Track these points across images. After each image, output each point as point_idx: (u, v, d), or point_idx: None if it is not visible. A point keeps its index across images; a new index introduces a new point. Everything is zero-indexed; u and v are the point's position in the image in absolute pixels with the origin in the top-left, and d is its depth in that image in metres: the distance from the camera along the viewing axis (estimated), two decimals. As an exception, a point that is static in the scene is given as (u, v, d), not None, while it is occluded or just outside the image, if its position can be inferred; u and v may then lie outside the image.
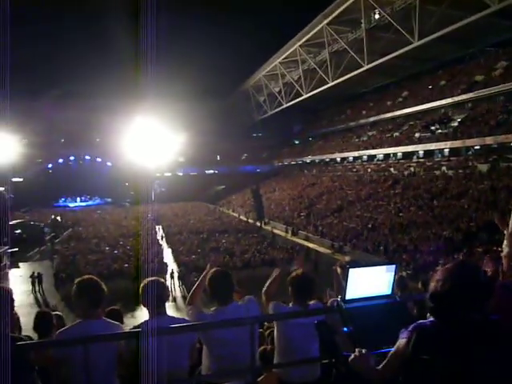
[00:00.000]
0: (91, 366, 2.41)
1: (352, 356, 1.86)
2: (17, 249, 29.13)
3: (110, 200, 63.21)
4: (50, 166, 68.89)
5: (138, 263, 24.01)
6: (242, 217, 44.13)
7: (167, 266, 24.24)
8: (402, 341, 1.71)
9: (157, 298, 2.83)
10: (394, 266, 2.30)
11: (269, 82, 60.49)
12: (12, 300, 2.78)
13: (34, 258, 30.63)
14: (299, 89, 53.43)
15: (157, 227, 38.93)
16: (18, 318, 4.09)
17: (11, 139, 33.69)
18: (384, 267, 2.30)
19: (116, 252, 27.58)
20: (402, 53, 35.30)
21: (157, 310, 2.83)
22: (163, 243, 32.60)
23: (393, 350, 1.77)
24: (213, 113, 67.82)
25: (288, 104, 58.39)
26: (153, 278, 2.94)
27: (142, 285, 2.90)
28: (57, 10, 64.59)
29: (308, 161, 58.57)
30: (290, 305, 3.20)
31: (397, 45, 35.22)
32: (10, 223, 33.51)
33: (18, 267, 27.89)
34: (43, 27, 64.45)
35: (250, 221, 40.80)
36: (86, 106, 62.12)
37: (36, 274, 22.32)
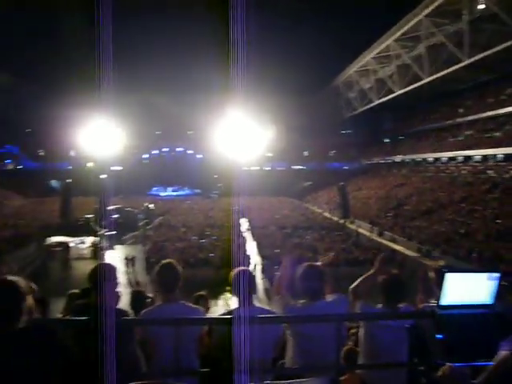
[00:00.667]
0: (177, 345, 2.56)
1: (445, 368, 1.76)
2: (114, 232, 31.33)
3: (198, 191, 65.48)
4: (145, 156, 72.99)
5: (222, 254, 24.83)
6: (326, 214, 43.74)
7: (250, 258, 24.69)
8: (504, 353, 1.60)
9: (246, 287, 2.92)
10: (497, 275, 2.17)
11: (360, 78, 59.21)
12: (116, 277, 3.03)
13: (128, 241, 32.64)
14: (391, 85, 51.74)
15: (242, 220, 39.76)
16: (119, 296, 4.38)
17: (114, 131, 36.05)
18: (485, 275, 2.18)
19: (202, 241, 28.57)
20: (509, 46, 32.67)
21: (247, 299, 2.90)
22: (248, 236, 33.20)
23: (493, 363, 1.66)
24: (302, 109, 67.85)
25: (379, 101, 56.77)
26: (243, 268, 3.02)
27: (232, 273, 2.98)
28: (160, 7, 67.74)
29: (398, 160, 56.69)
30: (379, 306, 3.12)
31: (501, 37, 32.73)
32: (109, 208, 36.12)
33: (114, 249, 29.99)
34: (144, 23, 67.86)
35: (335, 218, 40.29)
36: (180, 101, 65.08)
37: (130, 257, 23.80)
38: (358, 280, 3.36)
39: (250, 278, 2.96)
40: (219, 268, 23.34)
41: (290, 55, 64.65)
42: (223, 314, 2.84)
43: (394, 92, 51.60)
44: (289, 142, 65.17)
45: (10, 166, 69.69)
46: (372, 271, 3.45)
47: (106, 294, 2.84)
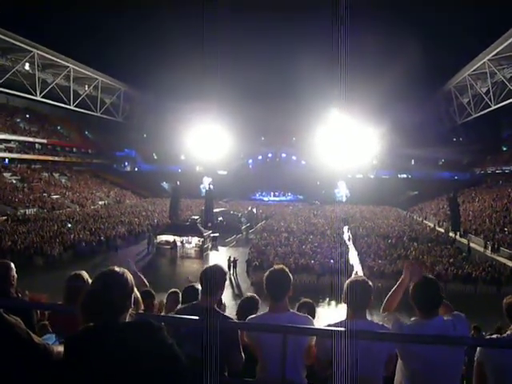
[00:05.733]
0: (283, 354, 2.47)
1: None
2: (218, 234, 32.51)
3: (301, 197, 65.53)
4: (250, 161, 74.78)
5: (323, 261, 24.55)
6: (434, 226, 41.40)
7: (352, 267, 24.09)
8: None
9: (361, 299, 2.75)
10: None
11: (475, 81, 55.39)
12: (225, 280, 3.03)
13: (231, 243, 33.59)
14: (512, 88, 47.74)
15: (345, 228, 39.05)
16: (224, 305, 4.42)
17: (221, 136, 37.54)
18: None
19: (304, 247, 28.47)
20: None
21: (359, 312, 2.74)
22: (350, 244, 32.49)
23: None
24: (409, 115, 65.10)
25: (497, 106, 52.54)
26: (360, 278, 2.86)
27: (346, 283, 2.83)
28: (260, 16, 69.11)
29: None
30: (414, 319, 2.77)
31: None
32: (214, 211, 37.55)
33: (217, 250, 31.05)
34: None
35: (444, 231, 37.95)
36: (285, 107, 65.88)
37: (232, 259, 24.41)
38: (389, 294, 3.03)
39: (367, 289, 2.78)
40: (320, 275, 23.13)
41: (395, 59, 62.45)
42: (333, 325, 2.64)
43: (515, 96, 47.55)
44: (395, 150, 62.90)
45: (128, 168, 75.57)
46: (400, 281, 3.08)
47: (214, 297, 2.88)
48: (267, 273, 2.99)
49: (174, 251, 29.34)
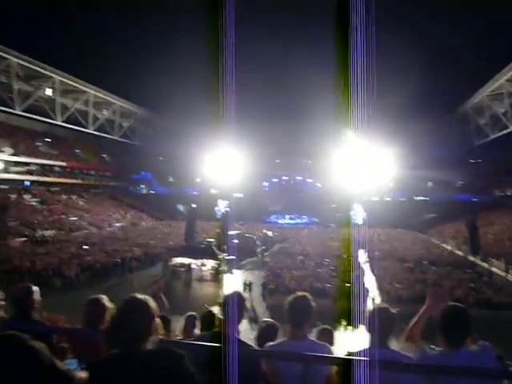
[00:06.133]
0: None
1: None
2: (233, 257, 32.38)
3: (316, 220, 65.21)
4: (265, 184, 74.97)
5: (340, 285, 24.25)
6: (453, 249, 40.75)
7: (368, 291, 23.75)
8: None
9: (385, 327, 2.69)
10: None
11: (492, 102, 55.14)
12: (244, 307, 3.00)
13: (246, 266, 33.43)
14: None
15: (361, 251, 38.64)
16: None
17: (236, 159, 37.76)
18: None
19: (319, 271, 28.23)
20: None
21: (381, 340, 2.67)
22: (366, 268, 32.11)
23: None
24: (425, 136, 64.90)
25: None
26: (384, 306, 2.80)
27: (369, 310, 2.77)
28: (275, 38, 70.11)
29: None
30: (439, 349, 2.66)
31: None
32: (229, 233, 37.52)
33: (232, 273, 30.90)
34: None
35: (463, 254, 37.32)
36: (300, 130, 66.26)
37: (247, 282, 24.29)
38: (412, 320, 2.92)
39: (392, 317, 2.73)
40: (336, 299, 22.82)
41: (412, 80, 62.53)
42: (355, 354, 2.56)
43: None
44: (411, 172, 62.50)
45: (144, 191, 76.27)
46: (424, 308, 2.98)
47: (234, 324, 2.85)
48: (290, 299, 2.96)
49: (189, 274, 29.31)
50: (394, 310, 2.80)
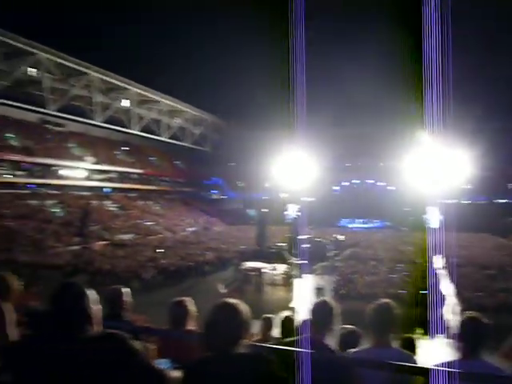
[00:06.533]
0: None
1: None
2: (303, 261, 32.27)
3: (389, 224, 63.49)
4: (335, 188, 74.14)
5: (414, 291, 23.40)
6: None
7: (445, 299, 22.76)
8: None
9: (475, 338, 2.57)
10: None
11: None
12: (333, 315, 2.97)
13: (316, 271, 33.20)
14: None
15: (437, 256, 37.09)
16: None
17: (306, 162, 37.77)
18: None
19: (392, 276, 27.47)
20: None
21: (472, 352, 2.53)
22: (442, 274, 30.80)
23: None
24: (505, 136, 61.22)
25: None
26: (474, 315, 2.65)
27: (462, 319, 2.65)
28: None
29: None
30: None
31: None
32: (300, 237, 37.45)
33: (303, 278, 30.75)
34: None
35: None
36: (371, 132, 64.96)
37: (319, 287, 24.13)
38: None
39: (485, 328, 2.56)
40: (410, 306, 22.05)
41: (491, 80, 59.35)
42: (444, 365, 2.39)
43: None
44: (490, 173, 59.21)
45: (215, 196, 78.08)
46: None
47: (322, 331, 2.85)
48: (375, 306, 2.92)
49: (260, 278, 29.58)
50: (485, 320, 2.65)
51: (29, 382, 1.87)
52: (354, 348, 3.02)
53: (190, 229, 55.02)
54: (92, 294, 1.95)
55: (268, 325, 4.45)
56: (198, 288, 25.49)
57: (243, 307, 2.00)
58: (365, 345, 2.90)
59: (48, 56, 49.48)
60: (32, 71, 50.65)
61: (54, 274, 26.76)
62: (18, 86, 50.94)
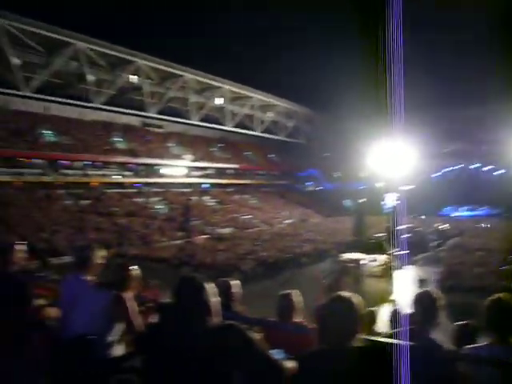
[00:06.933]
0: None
1: None
2: (404, 252, 31.13)
3: (497, 211, 59.09)
4: (436, 174, 70.48)
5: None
6: None
7: None
8: None
9: None
10: None
11: None
12: (438, 307, 2.91)
13: (418, 262, 31.93)
14: None
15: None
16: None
17: (403, 150, 36.49)
18: None
19: (504, 268, 25.61)
20: None
21: None
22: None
23: None
24: None
25: None
26: None
27: None
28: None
29: None
30: None
31: None
32: (400, 227, 36.19)
33: (405, 269, 29.70)
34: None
35: None
36: (473, 115, 60.90)
37: (421, 279, 23.24)
38: None
39: None
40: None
41: None
42: None
43: None
44: None
45: (311, 188, 77.95)
46: None
47: (427, 324, 2.78)
48: (493, 299, 2.73)
49: (358, 269, 29.11)
50: None
51: (156, 370, 2.04)
52: (470, 344, 2.80)
53: (287, 221, 55.48)
54: (211, 287, 2.10)
55: (372, 318, 4.41)
56: (296, 280, 25.72)
57: (357, 300, 2.00)
58: (482, 341, 2.70)
59: (146, 62, 52.55)
60: (133, 78, 54.15)
61: (160, 266, 28.57)
62: (122, 93, 54.85)
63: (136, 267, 3.41)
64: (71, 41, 45.80)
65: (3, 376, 2.89)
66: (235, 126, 65.99)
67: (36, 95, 45.46)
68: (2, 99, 45.01)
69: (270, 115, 72.24)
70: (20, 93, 44.28)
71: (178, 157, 58.78)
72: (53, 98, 47.90)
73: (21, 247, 3.69)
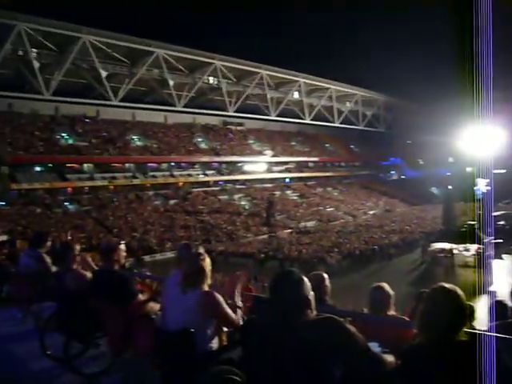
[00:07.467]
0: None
1: None
2: (500, 240, 29.27)
3: None
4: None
5: None
6: None
7: None
8: None
9: None
10: None
11: None
12: None
13: (516, 250, 29.95)
14: None
15: None
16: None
17: (493, 133, 34.37)
18: None
19: None
20: None
21: None
22: None
23: None
24: None
25: None
26: None
27: None
28: None
29: None
30: None
31: None
32: (493, 214, 34.08)
33: (501, 258, 27.98)
34: None
35: None
36: None
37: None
38: None
39: None
40: None
41: None
42: None
43: None
44: None
45: (394, 177, 75.56)
46: None
47: None
48: None
49: (450, 260, 27.94)
50: None
51: (255, 363, 2.10)
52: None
53: (371, 212, 54.36)
54: (308, 281, 2.21)
55: (471, 312, 4.26)
56: (384, 271, 25.25)
57: (461, 292, 1.92)
58: None
59: (223, 63, 53.77)
60: (211, 79, 55.73)
61: (246, 261, 29.23)
62: (202, 95, 56.67)
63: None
64: (151, 49, 48.03)
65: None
66: (313, 119, 65.59)
67: (123, 103, 48.28)
68: (94, 110, 48.60)
69: (348, 105, 71.00)
70: (109, 102, 47.26)
71: (258, 153, 59.68)
72: (139, 105, 50.74)
73: (122, 246, 4.16)
